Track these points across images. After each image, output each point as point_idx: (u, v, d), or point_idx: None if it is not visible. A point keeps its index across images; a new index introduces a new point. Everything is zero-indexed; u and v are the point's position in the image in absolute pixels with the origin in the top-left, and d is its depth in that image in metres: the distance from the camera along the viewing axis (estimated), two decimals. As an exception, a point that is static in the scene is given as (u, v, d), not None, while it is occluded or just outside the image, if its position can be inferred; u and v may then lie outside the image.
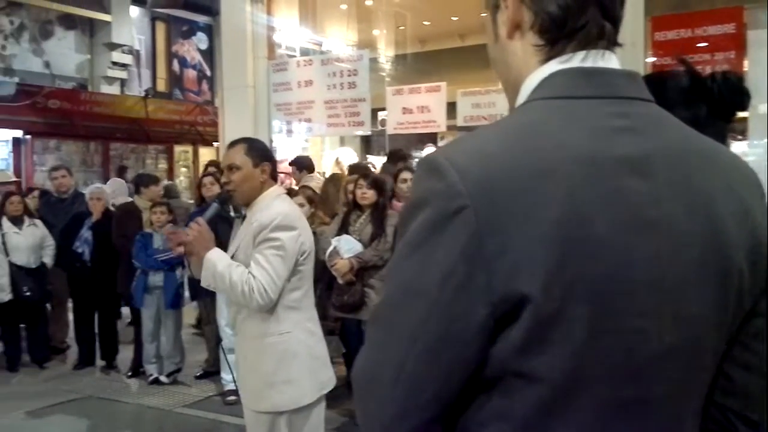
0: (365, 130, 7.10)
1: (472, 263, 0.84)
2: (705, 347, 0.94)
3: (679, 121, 0.99)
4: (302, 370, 2.88)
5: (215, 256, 2.86)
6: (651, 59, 4.82)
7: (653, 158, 0.91)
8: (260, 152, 2.99)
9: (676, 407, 0.93)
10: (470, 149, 0.89)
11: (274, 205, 2.90)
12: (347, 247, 4.95)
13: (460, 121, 6.65)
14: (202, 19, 17.48)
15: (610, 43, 0.97)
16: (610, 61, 0.96)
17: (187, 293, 6.27)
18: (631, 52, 4.66)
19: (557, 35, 0.95)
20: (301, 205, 5.17)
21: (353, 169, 6.94)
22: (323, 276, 5.06)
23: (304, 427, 2.91)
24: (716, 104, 1.55)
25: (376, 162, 8.87)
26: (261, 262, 2.78)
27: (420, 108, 6.67)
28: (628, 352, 0.88)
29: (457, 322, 0.85)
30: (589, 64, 0.94)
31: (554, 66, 0.95)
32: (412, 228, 0.88)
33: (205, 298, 5.92)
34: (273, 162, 3.05)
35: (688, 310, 0.90)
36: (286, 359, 2.86)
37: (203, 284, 2.93)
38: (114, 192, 7.51)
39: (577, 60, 0.94)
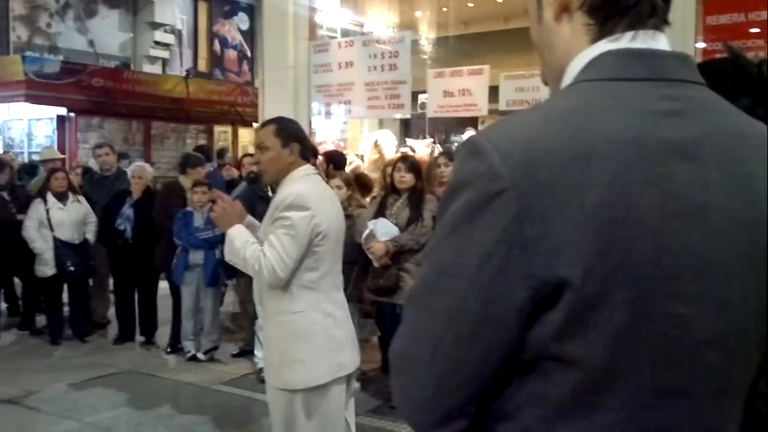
0: (405, 113, 7.06)
1: (512, 246, 0.83)
2: (749, 337, 0.91)
3: (731, 105, 0.96)
4: (315, 350, 2.88)
5: (235, 232, 2.94)
6: (701, 44, 4.69)
7: (701, 142, 0.88)
8: (289, 132, 3.00)
9: (718, 397, 0.91)
10: (513, 131, 0.88)
11: (293, 185, 2.93)
12: (383, 231, 4.93)
13: (502, 105, 6.59)
14: (243, -1, 17.57)
15: (661, 21, 0.94)
16: (659, 41, 0.93)
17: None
18: (680, 36, 4.54)
19: (608, 14, 0.93)
20: (338, 188, 5.17)
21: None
22: (359, 259, 5.06)
23: (321, 408, 2.91)
24: (762, 94, 1.49)
25: (416, 145, 8.82)
26: (272, 240, 2.83)
27: (461, 91, 6.61)
28: (669, 339, 0.86)
29: (496, 304, 0.85)
30: (638, 45, 0.92)
31: (603, 46, 0.93)
32: (452, 209, 0.88)
33: (242, 277, 5.97)
34: (303, 142, 3.03)
35: (732, 297, 0.88)
36: (298, 338, 2.88)
37: (226, 258, 3.04)
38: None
39: (626, 40, 0.92)
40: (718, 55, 4.50)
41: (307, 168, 3.04)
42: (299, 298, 2.89)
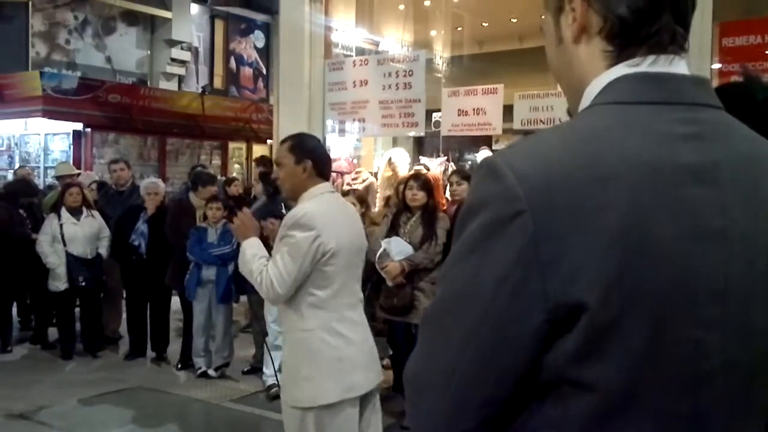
0: (419, 131, 7.07)
1: (529, 268, 0.82)
2: (766, 364, 0.90)
3: (749, 129, 0.96)
4: (323, 369, 2.88)
5: (248, 244, 3.02)
6: (717, 66, 4.67)
7: (720, 166, 0.88)
8: (304, 149, 3.02)
9: (736, 423, 0.89)
10: (530, 153, 0.88)
11: (304, 204, 2.97)
12: (398, 249, 4.92)
13: (516, 125, 6.57)
14: (260, 17, 17.73)
15: (680, 48, 0.94)
16: (678, 66, 0.93)
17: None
18: (696, 58, 4.53)
19: (627, 41, 0.93)
20: (353, 205, 5.17)
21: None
22: (371, 277, 5.05)
23: (332, 427, 2.89)
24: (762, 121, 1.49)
25: (429, 163, 8.81)
26: (276, 257, 2.89)
27: (475, 110, 6.60)
28: (688, 365, 0.85)
29: (511, 327, 0.84)
30: (656, 69, 0.92)
31: (621, 70, 0.93)
32: (468, 231, 0.87)
33: (254, 295, 5.97)
34: (318, 159, 3.03)
35: (752, 323, 0.87)
36: (306, 356, 2.90)
37: (239, 269, 3.11)
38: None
39: (645, 65, 0.92)
40: (733, 77, 4.48)
41: (323, 186, 3.04)
42: (308, 316, 2.90)
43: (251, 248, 3.00)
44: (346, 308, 2.97)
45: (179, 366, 6.42)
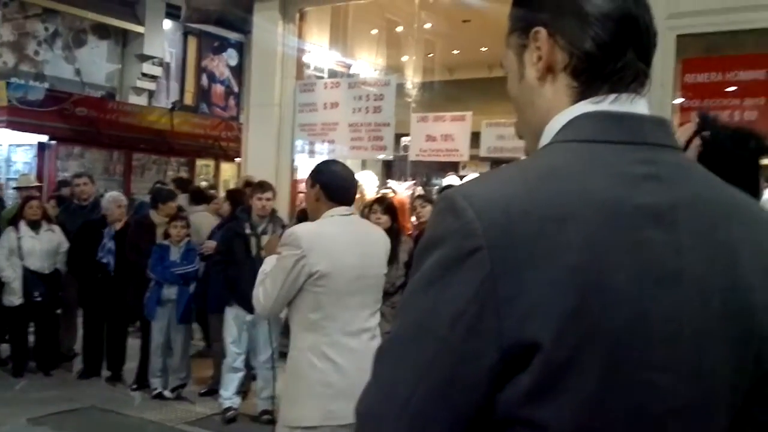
0: (387, 155, 7.09)
1: (484, 306, 0.81)
2: (720, 406, 0.89)
3: (708, 171, 0.96)
4: (306, 392, 2.88)
5: (266, 260, 3.14)
6: (679, 100, 4.76)
7: (677, 208, 0.88)
8: (316, 175, 3.09)
9: None
10: (490, 189, 0.87)
11: (303, 225, 3.07)
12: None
13: (483, 152, 6.63)
14: (233, 36, 17.69)
15: (641, 86, 0.95)
16: (639, 105, 0.94)
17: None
18: (659, 93, 4.61)
19: (592, 77, 0.94)
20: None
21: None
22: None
23: None
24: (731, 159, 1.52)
25: (397, 187, 8.84)
26: (270, 272, 2.97)
27: (444, 136, 6.65)
28: (640, 407, 0.84)
29: (466, 364, 0.82)
30: (616, 107, 0.92)
31: (582, 108, 0.93)
32: (426, 265, 0.86)
33: (215, 315, 5.90)
34: (327, 184, 3.03)
35: (704, 366, 0.87)
36: (293, 376, 2.95)
37: None
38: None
39: (606, 103, 0.92)
40: (693, 113, 4.57)
41: (335, 210, 3.02)
42: (300, 337, 2.93)
43: (266, 264, 3.09)
44: (342, 334, 2.92)
45: (134, 386, 6.29)
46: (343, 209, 3.05)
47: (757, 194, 1.70)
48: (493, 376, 0.82)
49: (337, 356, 2.88)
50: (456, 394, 0.83)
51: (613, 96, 0.92)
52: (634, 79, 0.94)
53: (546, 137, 0.96)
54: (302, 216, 3.58)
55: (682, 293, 0.85)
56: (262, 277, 3.00)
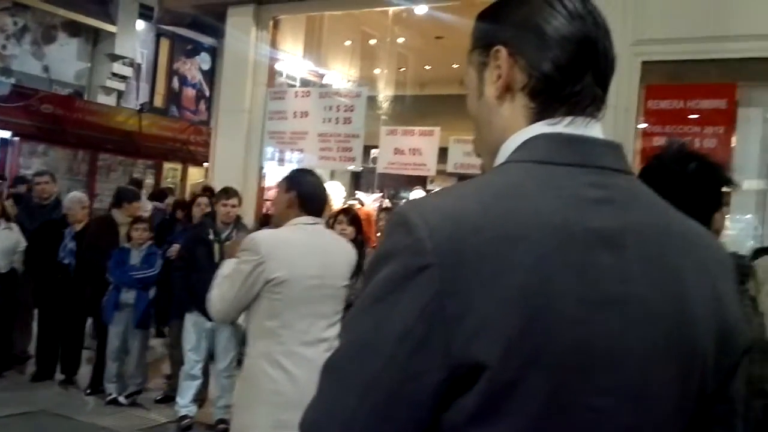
0: (356, 167, 7.09)
1: (432, 324, 0.81)
2: (666, 430, 0.90)
3: (658, 197, 0.97)
4: (257, 400, 2.86)
5: (224, 264, 3.11)
6: (642, 126, 4.84)
7: (626, 232, 0.89)
8: (292, 181, 3.10)
9: None
10: (443, 206, 0.87)
11: (265, 230, 3.06)
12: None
13: (450, 167, 6.65)
14: (207, 40, 17.58)
15: (597, 110, 0.96)
16: (593, 129, 0.95)
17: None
18: (623, 117, 4.69)
19: (550, 99, 0.94)
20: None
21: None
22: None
23: None
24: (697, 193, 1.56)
25: (365, 198, 8.86)
26: (228, 276, 2.95)
27: (412, 150, 6.66)
28: (584, 431, 0.84)
29: (411, 382, 0.82)
30: (571, 130, 0.93)
31: (538, 129, 0.94)
32: (375, 280, 0.86)
33: (175, 320, 5.83)
34: (304, 193, 3.03)
35: (648, 391, 0.87)
36: (246, 383, 2.93)
37: None
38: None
39: (561, 125, 0.93)
40: (656, 138, 4.65)
41: (302, 218, 3.02)
42: (255, 344, 2.91)
43: (224, 267, 3.07)
44: (298, 343, 2.89)
45: (88, 391, 6.17)
46: (308, 218, 3.04)
47: (707, 221, 1.74)
48: (438, 395, 0.82)
49: (291, 365, 2.86)
50: (401, 412, 0.83)
51: (569, 119, 0.93)
52: (590, 103, 0.95)
53: (502, 156, 0.96)
54: (265, 220, 3.56)
55: (628, 318, 0.86)
56: (218, 280, 2.98)
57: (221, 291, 2.91)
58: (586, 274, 0.84)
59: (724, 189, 1.82)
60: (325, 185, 8.55)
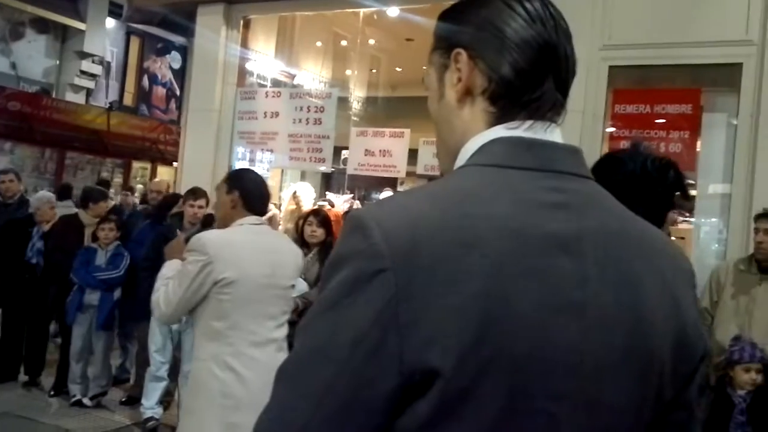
0: (326, 167, 7.07)
1: (386, 329, 0.79)
2: None
3: (616, 201, 0.97)
4: (206, 405, 2.81)
5: (166, 265, 3.08)
6: (610, 129, 4.90)
7: (584, 237, 0.88)
8: (235, 181, 3.08)
9: None
10: (399, 210, 0.86)
11: (213, 232, 2.99)
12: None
13: (420, 169, 6.67)
14: (178, 39, 17.46)
15: (557, 115, 0.96)
16: (553, 134, 0.94)
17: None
18: (591, 121, 4.74)
19: (510, 103, 0.94)
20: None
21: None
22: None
23: None
24: (654, 191, 1.57)
25: (335, 200, 8.84)
26: (172, 278, 2.92)
27: (382, 152, 6.67)
28: None
29: (365, 388, 0.81)
30: (531, 134, 0.92)
31: (498, 132, 0.93)
32: (330, 285, 0.84)
33: (141, 322, 5.75)
34: (247, 193, 3.04)
35: (604, 397, 0.87)
36: (194, 388, 2.88)
37: None
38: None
39: (521, 129, 0.93)
40: (623, 142, 4.71)
41: (248, 218, 3.02)
42: (202, 346, 2.87)
43: (165, 268, 3.04)
44: (247, 344, 2.86)
45: (52, 392, 6.07)
46: (253, 218, 3.05)
47: (661, 224, 1.76)
48: (392, 401, 0.81)
49: (240, 367, 2.82)
50: (355, 418, 0.82)
51: (529, 122, 0.93)
52: (551, 108, 0.94)
53: (461, 159, 0.96)
54: (208, 221, 3.54)
55: (585, 324, 0.85)
56: (161, 281, 2.95)
57: (166, 293, 2.86)
58: (543, 279, 0.84)
59: (678, 192, 1.84)
60: (295, 186, 8.53)
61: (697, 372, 0.96)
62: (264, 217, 3.18)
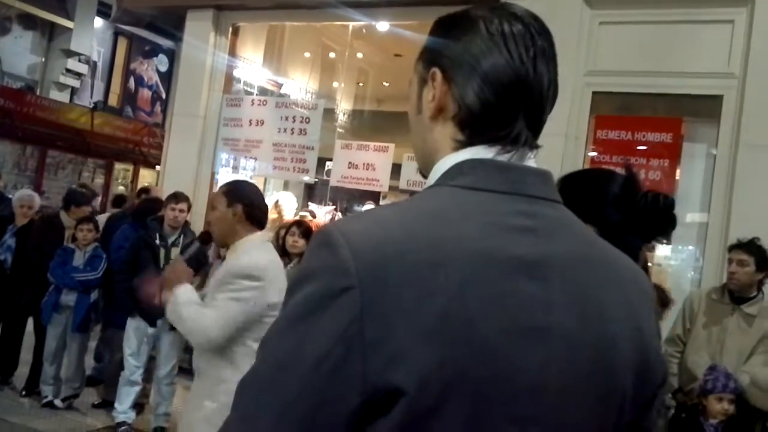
0: (309, 178, 7.09)
1: (350, 347, 0.79)
2: None
3: (585, 227, 0.98)
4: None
5: (180, 291, 2.89)
6: (592, 154, 4.97)
7: (551, 262, 0.88)
8: (235, 193, 2.98)
9: None
10: (368, 228, 0.85)
11: (251, 254, 2.89)
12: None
13: (402, 184, 6.70)
14: (165, 42, 17.41)
15: (530, 148, 0.95)
16: (524, 157, 0.94)
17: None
18: (573, 145, 4.81)
19: (475, 133, 0.94)
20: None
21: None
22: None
23: None
24: (639, 221, 1.59)
25: (317, 210, 8.84)
26: (217, 303, 2.80)
27: (366, 165, 6.70)
28: None
29: (327, 406, 0.80)
30: (502, 157, 0.93)
31: (468, 154, 0.93)
32: (296, 299, 0.84)
33: (117, 325, 5.72)
34: (249, 205, 2.97)
35: (568, 421, 0.88)
36: (222, 407, 2.74)
37: (167, 316, 2.96)
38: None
39: (492, 152, 0.93)
40: (605, 167, 4.78)
41: (258, 235, 2.99)
42: (244, 367, 2.76)
43: (182, 295, 2.87)
44: None
45: (24, 392, 6.00)
46: (264, 234, 3.03)
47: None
48: (354, 419, 0.80)
49: None
50: None
51: (499, 146, 0.93)
52: (523, 144, 0.94)
53: (432, 177, 0.96)
54: (206, 239, 3.38)
55: (549, 347, 0.86)
56: (193, 308, 2.82)
57: (217, 317, 2.75)
58: (508, 302, 0.84)
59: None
60: (278, 195, 8.50)
61: (657, 397, 0.98)
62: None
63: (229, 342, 2.78)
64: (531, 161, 0.95)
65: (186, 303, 2.85)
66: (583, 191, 1.62)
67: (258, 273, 2.81)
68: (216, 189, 7.81)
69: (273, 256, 2.99)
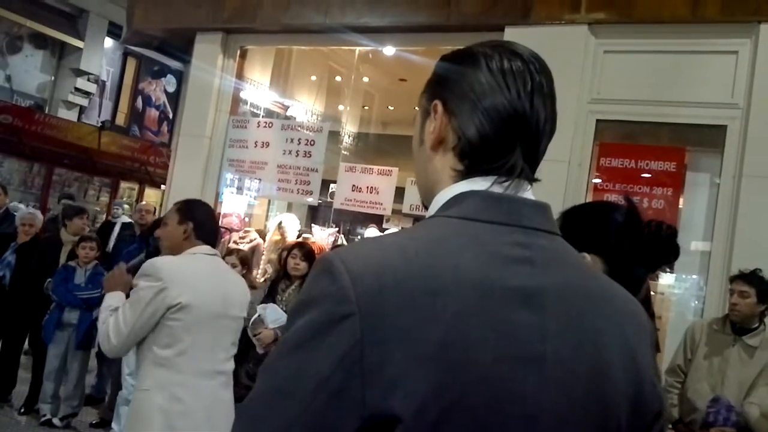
0: (313, 200, 7.10)
1: (350, 373, 0.80)
2: None
3: (580, 258, 1.00)
4: None
5: (110, 295, 2.97)
6: (596, 180, 4.97)
7: (546, 293, 0.90)
8: (188, 212, 3.03)
9: None
10: (368, 256, 0.87)
11: (165, 257, 2.93)
12: (273, 317, 4.84)
13: (405, 208, 6.70)
14: (174, 63, 17.57)
15: (528, 180, 0.98)
16: (521, 189, 0.96)
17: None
18: (576, 172, 4.82)
19: (474, 164, 0.96)
20: (233, 266, 5.07)
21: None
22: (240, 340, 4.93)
23: None
24: (643, 250, 1.60)
25: (320, 233, 8.84)
26: (120, 307, 2.81)
27: (369, 188, 6.71)
28: None
29: (326, 431, 0.81)
30: (500, 189, 0.95)
31: (466, 186, 0.96)
32: (297, 326, 0.86)
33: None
34: (202, 224, 3.02)
35: None
36: (137, 419, 2.75)
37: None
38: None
39: (488, 182, 0.95)
40: (607, 195, 4.78)
41: (199, 248, 2.99)
42: (147, 375, 2.76)
43: (107, 300, 2.93)
44: (195, 374, 2.79)
45: (22, 410, 5.98)
46: (207, 248, 3.04)
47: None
48: None
49: (188, 396, 2.75)
50: None
51: (500, 178, 0.95)
52: (519, 174, 0.96)
53: (432, 208, 0.99)
54: (152, 252, 3.46)
55: (544, 377, 0.87)
56: (106, 313, 2.84)
57: (116, 323, 2.75)
58: (503, 331, 0.85)
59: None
60: (281, 217, 8.50)
61: (652, 429, 0.99)
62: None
63: (133, 347, 2.81)
64: (528, 193, 0.97)
65: (103, 309, 2.89)
66: (588, 222, 1.66)
67: (154, 272, 2.77)
68: (220, 209, 7.86)
69: (191, 262, 2.94)
